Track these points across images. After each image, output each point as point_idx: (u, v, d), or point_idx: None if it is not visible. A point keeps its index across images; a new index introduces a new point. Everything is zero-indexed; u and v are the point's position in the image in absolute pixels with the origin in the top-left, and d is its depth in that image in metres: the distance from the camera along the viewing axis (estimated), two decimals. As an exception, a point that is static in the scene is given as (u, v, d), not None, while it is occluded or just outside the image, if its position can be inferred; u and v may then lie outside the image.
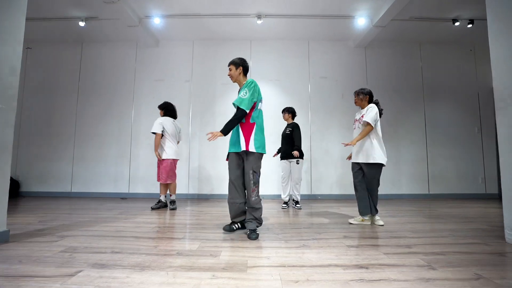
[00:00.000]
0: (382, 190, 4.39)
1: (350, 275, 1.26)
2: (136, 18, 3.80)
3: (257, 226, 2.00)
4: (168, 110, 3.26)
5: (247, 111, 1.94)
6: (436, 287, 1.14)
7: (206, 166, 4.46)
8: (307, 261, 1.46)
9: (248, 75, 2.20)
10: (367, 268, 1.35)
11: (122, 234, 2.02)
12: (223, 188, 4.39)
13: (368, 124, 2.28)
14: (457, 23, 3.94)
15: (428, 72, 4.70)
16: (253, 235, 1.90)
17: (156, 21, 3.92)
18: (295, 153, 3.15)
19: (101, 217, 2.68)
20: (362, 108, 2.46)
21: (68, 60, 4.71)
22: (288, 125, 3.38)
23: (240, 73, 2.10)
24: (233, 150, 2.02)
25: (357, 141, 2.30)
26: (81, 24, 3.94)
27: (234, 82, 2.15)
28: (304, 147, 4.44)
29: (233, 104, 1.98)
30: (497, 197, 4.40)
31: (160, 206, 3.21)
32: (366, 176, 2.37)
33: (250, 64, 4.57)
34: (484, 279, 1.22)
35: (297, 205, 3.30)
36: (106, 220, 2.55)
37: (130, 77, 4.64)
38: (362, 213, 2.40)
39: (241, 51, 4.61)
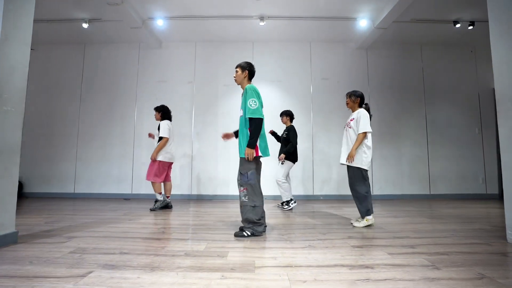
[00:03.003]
0: (383, 190, 4.45)
1: (356, 275, 1.29)
2: (139, 19, 3.83)
3: (244, 228, 2.02)
4: (165, 113, 3.32)
5: (263, 117, 1.99)
6: (441, 286, 1.17)
7: (209, 167, 4.48)
8: (313, 261, 1.48)
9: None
10: (372, 268, 1.38)
11: (129, 235, 2.04)
12: (225, 189, 4.42)
13: (363, 132, 2.29)
14: (458, 25, 3.97)
15: (429, 73, 4.74)
16: (236, 232, 2.04)
17: (159, 22, 3.95)
18: (281, 156, 3.25)
19: (106, 218, 2.71)
20: (353, 110, 2.50)
21: (71, 61, 4.73)
22: (285, 128, 3.41)
23: (245, 77, 2.13)
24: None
25: (355, 149, 2.31)
26: (85, 25, 3.96)
27: (238, 84, 2.18)
28: (306, 148, 4.47)
29: (247, 117, 2.00)
30: (498, 198, 4.43)
31: (162, 206, 3.24)
32: (349, 177, 2.41)
33: (252, 65, 4.59)
34: (488, 278, 1.25)
35: (283, 205, 3.31)
36: (112, 221, 2.58)
37: (133, 78, 4.66)
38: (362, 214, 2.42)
39: (244, 52, 4.64)
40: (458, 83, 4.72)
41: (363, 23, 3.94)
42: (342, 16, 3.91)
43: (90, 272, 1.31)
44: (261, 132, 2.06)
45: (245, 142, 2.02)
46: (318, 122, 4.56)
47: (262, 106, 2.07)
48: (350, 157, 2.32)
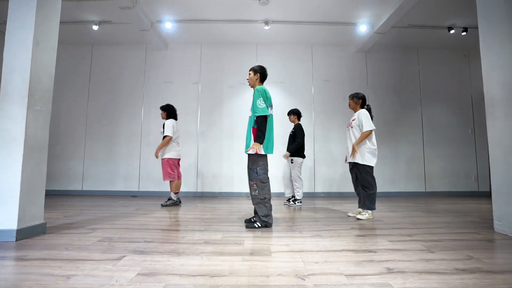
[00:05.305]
0: (381, 188, 4.65)
1: (361, 257, 1.46)
2: (148, 22, 3.96)
3: (256, 220, 2.18)
4: (171, 112, 3.43)
5: (268, 115, 2.16)
6: (435, 265, 1.34)
7: (214, 165, 4.63)
8: (322, 247, 1.65)
9: None
10: (375, 252, 1.55)
11: (147, 227, 2.19)
12: (231, 186, 4.57)
13: (368, 130, 2.48)
14: (452, 31, 4.18)
15: (425, 76, 4.95)
16: (248, 224, 2.19)
17: (168, 25, 4.08)
18: (286, 154, 3.47)
19: (120, 213, 2.84)
20: (355, 111, 2.69)
21: (79, 61, 4.83)
22: (293, 127, 3.58)
23: (257, 79, 2.29)
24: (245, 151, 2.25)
25: (357, 144, 2.51)
26: (95, 27, 4.08)
27: (251, 86, 2.34)
28: (308, 147, 4.65)
29: (255, 115, 2.15)
30: (489, 195, 4.66)
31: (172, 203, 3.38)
32: (358, 175, 2.58)
33: (256, 67, 4.76)
34: (475, 259, 1.43)
35: (295, 202, 3.46)
36: (126, 215, 2.72)
37: (140, 79, 4.79)
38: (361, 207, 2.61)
39: (248, 54, 4.80)
40: (453, 86, 4.94)
41: (363, 28, 4.13)
42: (343, 21, 4.09)
43: (124, 256, 1.46)
44: (268, 131, 2.22)
45: (252, 140, 2.18)
46: (319, 122, 4.73)
47: (271, 106, 2.24)
48: (353, 152, 2.49)
